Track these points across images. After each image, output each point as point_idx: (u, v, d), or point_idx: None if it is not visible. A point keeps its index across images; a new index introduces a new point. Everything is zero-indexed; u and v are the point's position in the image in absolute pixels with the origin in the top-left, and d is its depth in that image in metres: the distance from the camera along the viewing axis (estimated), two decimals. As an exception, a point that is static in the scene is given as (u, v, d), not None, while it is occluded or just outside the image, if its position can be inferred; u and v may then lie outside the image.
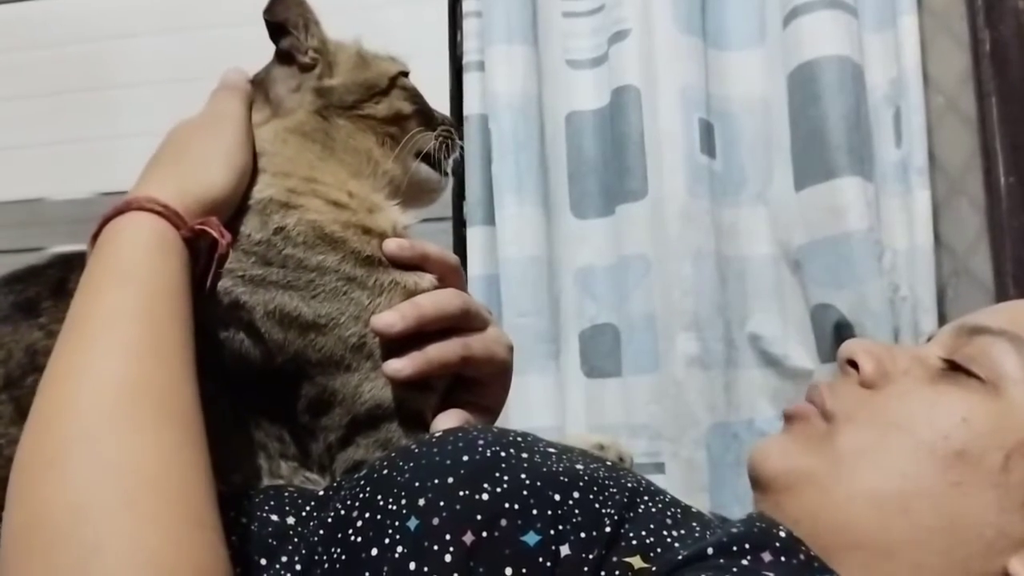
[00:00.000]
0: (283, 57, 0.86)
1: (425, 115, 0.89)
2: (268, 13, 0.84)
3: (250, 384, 0.71)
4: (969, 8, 1.70)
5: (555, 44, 1.79)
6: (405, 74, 0.90)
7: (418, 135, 0.87)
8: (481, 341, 0.78)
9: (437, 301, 0.76)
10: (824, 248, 1.57)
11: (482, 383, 0.81)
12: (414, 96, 0.89)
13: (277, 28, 0.85)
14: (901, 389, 0.67)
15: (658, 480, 1.54)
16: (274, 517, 0.64)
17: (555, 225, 1.74)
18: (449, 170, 0.89)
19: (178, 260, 0.65)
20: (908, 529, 0.61)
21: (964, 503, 0.61)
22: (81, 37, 2.06)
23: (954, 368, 0.66)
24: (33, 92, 2.06)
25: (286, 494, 0.66)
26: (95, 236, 0.66)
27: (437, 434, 0.65)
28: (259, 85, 0.85)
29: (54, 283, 0.71)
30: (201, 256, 0.67)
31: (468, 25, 1.78)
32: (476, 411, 0.79)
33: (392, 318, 0.73)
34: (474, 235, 1.70)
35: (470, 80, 1.75)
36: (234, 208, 0.75)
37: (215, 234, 0.66)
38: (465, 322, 0.78)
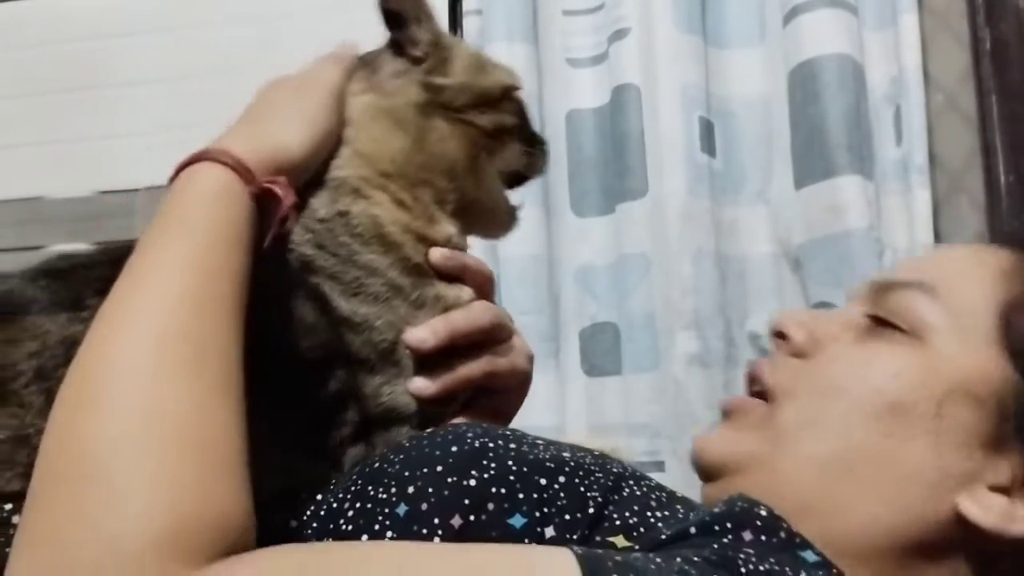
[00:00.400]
0: (395, 47, 0.84)
1: (528, 132, 0.87)
2: (385, 1, 0.82)
3: (274, 369, 0.70)
4: (969, 6, 1.70)
5: (555, 42, 1.80)
6: (518, 89, 0.88)
7: (514, 150, 0.85)
8: (506, 355, 0.79)
9: (470, 317, 0.76)
10: (824, 247, 1.57)
11: (501, 391, 0.81)
12: (521, 113, 0.87)
13: (392, 17, 0.82)
14: (832, 353, 0.69)
15: (658, 478, 1.54)
16: (279, 519, 0.64)
17: (555, 223, 1.74)
18: (519, 215, 0.89)
19: (242, 213, 0.65)
20: (855, 485, 0.63)
21: (903, 452, 0.63)
22: (80, 36, 2.06)
23: (879, 323, 0.68)
24: (32, 90, 2.06)
25: (299, 499, 0.66)
26: (171, 181, 0.66)
27: (428, 431, 0.67)
28: (368, 63, 0.83)
29: (99, 284, 0.69)
30: (268, 215, 0.67)
31: (468, 23, 1.78)
32: (490, 415, 0.79)
33: (424, 334, 0.73)
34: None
35: (470, 78, 1.74)
36: (310, 172, 0.74)
37: (280, 193, 0.66)
38: (493, 335, 0.78)
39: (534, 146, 0.87)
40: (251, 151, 0.67)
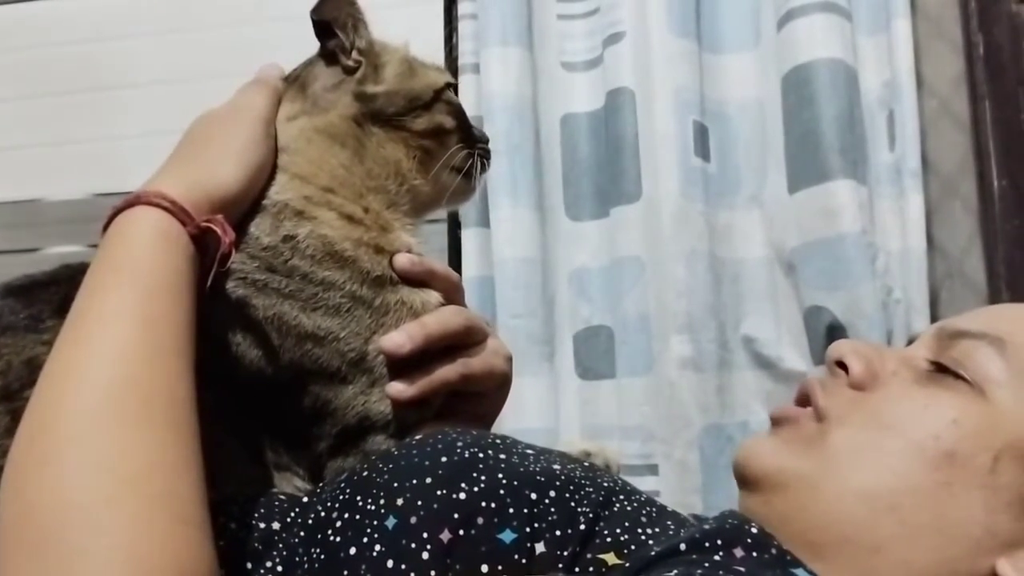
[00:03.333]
0: (327, 57, 0.83)
1: (465, 131, 0.86)
2: (315, 12, 0.81)
3: (245, 390, 0.71)
4: (963, 11, 1.71)
5: (550, 46, 1.80)
6: (451, 85, 0.87)
7: (457, 153, 0.84)
8: (481, 357, 0.79)
9: (441, 320, 0.76)
10: (818, 250, 1.57)
11: (480, 394, 0.81)
12: (457, 111, 0.87)
13: (323, 27, 0.82)
14: (892, 391, 0.67)
15: (651, 482, 1.57)
16: (261, 524, 0.64)
17: (550, 227, 1.74)
18: (478, 184, 0.88)
19: (182, 257, 0.64)
20: (897, 526, 0.61)
21: (953, 503, 0.61)
22: (77, 38, 2.06)
23: (940, 370, 0.67)
24: (28, 93, 2.06)
25: (275, 501, 0.66)
26: (105, 227, 0.66)
27: (417, 437, 0.66)
28: (296, 80, 0.83)
29: (58, 302, 0.70)
30: (208, 253, 0.67)
31: (463, 27, 1.79)
32: (471, 419, 0.79)
33: (400, 339, 0.73)
34: (469, 237, 1.71)
35: (465, 82, 1.75)
36: (246, 206, 0.74)
37: (219, 232, 0.66)
38: (466, 338, 0.78)
39: (474, 145, 0.86)
40: (186, 191, 0.67)
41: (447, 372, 0.76)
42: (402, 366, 0.74)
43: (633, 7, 1.69)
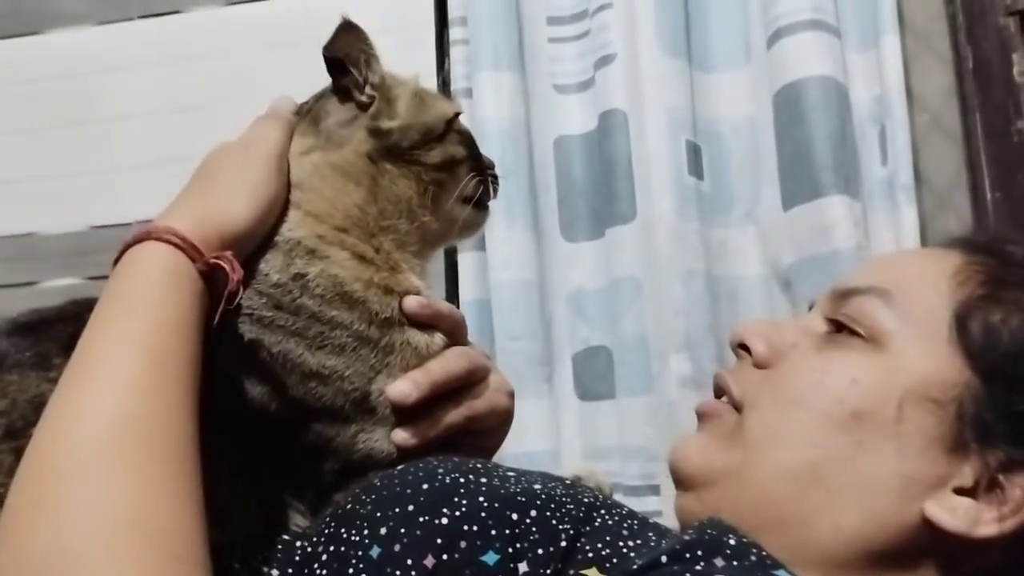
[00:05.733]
0: (340, 93, 0.82)
1: (476, 159, 0.86)
2: (328, 49, 0.80)
3: (247, 425, 0.71)
4: (950, 26, 1.72)
5: (542, 70, 1.81)
6: (459, 115, 0.87)
7: (469, 182, 0.84)
8: (484, 396, 0.80)
9: (446, 366, 0.76)
10: (814, 266, 1.58)
11: (483, 430, 0.82)
12: (468, 140, 0.86)
13: (336, 64, 0.81)
14: (792, 364, 0.70)
15: (654, 502, 1.56)
16: (262, 568, 0.64)
17: (546, 249, 1.75)
18: (485, 216, 0.87)
19: (189, 293, 0.65)
20: (822, 495, 0.64)
21: (868, 459, 0.63)
22: (72, 72, 2.07)
23: (839, 328, 0.69)
24: (24, 126, 2.07)
25: (279, 546, 0.66)
26: (115, 261, 0.66)
27: (399, 467, 0.66)
28: (308, 114, 0.83)
29: (65, 339, 0.70)
30: (217, 290, 0.67)
31: (455, 52, 1.80)
32: (474, 453, 0.79)
33: (407, 388, 0.73)
34: (465, 260, 1.71)
35: (458, 107, 1.75)
36: (257, 242, 0.74)
37: (227, 269, 0.66)
38: (470, 378, 0.79)
39: (484, 173, 0.86)
40: (196, 227, 0.67)
41: (452, 417, 0.76)
42: (407, 411, 0.74)
43: (623, 29, 1.70)
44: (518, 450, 1.55)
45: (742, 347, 0.75)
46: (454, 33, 1.80)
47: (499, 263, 1.69)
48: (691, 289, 1.61)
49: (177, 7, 2.06)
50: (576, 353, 1.72)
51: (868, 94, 1.66)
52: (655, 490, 1.57)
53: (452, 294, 1.70)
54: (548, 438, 1.67)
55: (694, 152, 1.68)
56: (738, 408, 0.71)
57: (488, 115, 1.72)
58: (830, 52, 1.63)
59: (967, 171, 1.67)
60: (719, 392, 0.75)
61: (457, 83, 1.77)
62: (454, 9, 1.81)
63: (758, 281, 1.68)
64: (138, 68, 2.04)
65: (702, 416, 0.75)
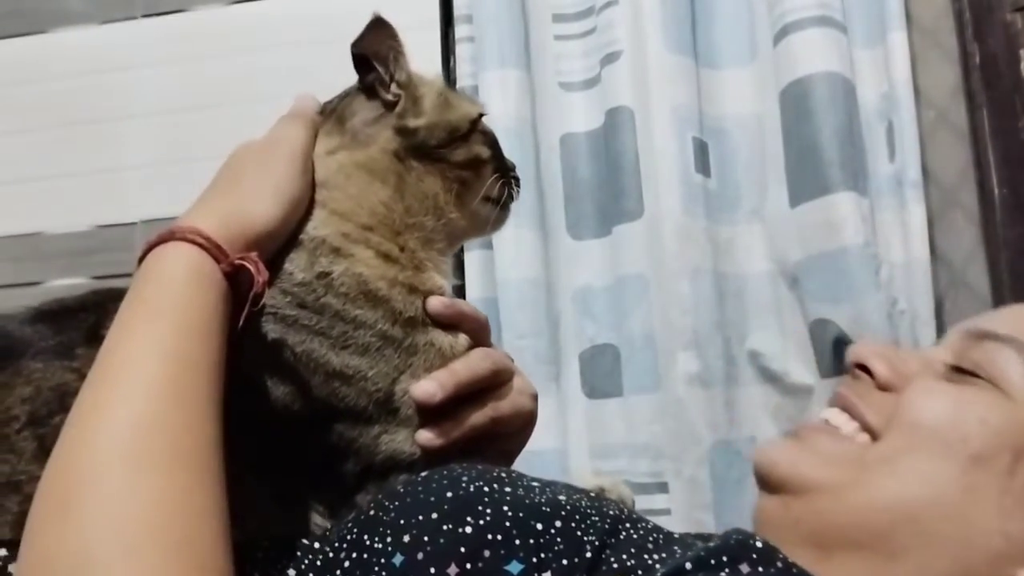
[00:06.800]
0: (367, 90, 0.82)
1: (499, 160, 0.86)
2: (356, 45, 0.80)
3: (269, 425, 0.70)
4: (957, 22, 1.71)
5: (548, 67, 1.81)
6: (484, 115, 0.87)
7: (494, 184, 0.84)
8: (509, 399, 0.79)
9: (470, 366, 0.76)
10: (821, 263, 1.57)
11: (507, 432, 0.81)
12: (491, 140, 0.86)
13: (362, 60, 0.81)
14: (919, 392, 0.67)
15: (662, 500, 1.56)
16: (283, 571, 0.64)
17: (552, 247, 1.74)
18: (506, 213, 0.87)
19: (215, 294, 0.64)
20: (917, 535, 0.61)
21: (974, 510, 0.61)
22: (78, 71, 2.07)
23: (960, 372, 0.66)
24: (29, 126, 2.07)
25: (297, 548, 0.66)
26: (140, 260, 0.65)
27: (423, 474, 0.65)
28: (333, 113, 0.82)
29: (87, 329, 0.70)
30: (242, 290, 0.66)
31: (461, 50, 1.80)
32: (497, 456, 0.79)
33: (431, 388, 0.72)
34: (472, 258, 1.71)
35: (464, 105, 1.75)
36: (282, 241, 0.73)
37: (252, 270, 0.65)
38: (494, 380, 0.78)
39: (507, 174, 0.86)
40: (221, 227, 0.66)
41: (477, 418, 0.75)
42: (432, 412, 0.73)
43: (629, 26, 1.70)
44: (526, 448, 1.55)
45: (860, 367, 0.72)
46: (460, 31, 1.80)
47: (506, 262, 1.69)
48: (698, 286, 1.61)
49: (182, 6, 2.06)
50: (583, 351, 1.71)
51: (875, 91, 1.65)
52: (663, 488, 1.57)
53: (459, 293, 1.70)
54: (556, 436, 1.67)
55: (701, 149, 1.68)
56: (873, 435, 0.68)
57: (494, 113, 1.71)
58: (837, 48, 1.62)
59: (974, 167, 1.67)
60: (845, 410, 0.71)
61: (463, 81, 1.77)
62: (460, 7, 1.81)
63: (765, 278, 1.68)
64: (143, 67, 2.04)
65: (822, 431, 0.71)
